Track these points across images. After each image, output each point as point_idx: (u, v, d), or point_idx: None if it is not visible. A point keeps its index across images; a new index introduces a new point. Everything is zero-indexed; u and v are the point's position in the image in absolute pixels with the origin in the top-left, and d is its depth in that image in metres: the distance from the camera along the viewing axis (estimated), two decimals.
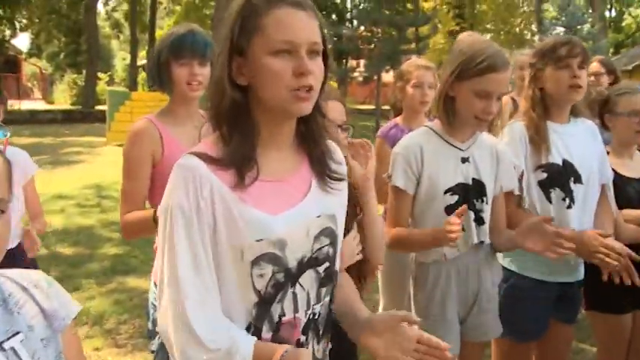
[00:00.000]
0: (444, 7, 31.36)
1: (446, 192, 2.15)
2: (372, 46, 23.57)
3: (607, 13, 32.30)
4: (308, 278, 1.32)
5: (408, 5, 24.54)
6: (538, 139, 2.37)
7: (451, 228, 1.92)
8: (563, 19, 18.52)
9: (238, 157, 1.23)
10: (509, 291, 2.42)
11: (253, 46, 1.21)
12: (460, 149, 2.18)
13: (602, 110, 2.77)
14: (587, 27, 18.95)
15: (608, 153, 2.67)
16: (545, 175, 2.38)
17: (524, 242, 2.09)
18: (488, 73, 2.02)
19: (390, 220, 2.23)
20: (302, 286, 1.31)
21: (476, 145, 2.21)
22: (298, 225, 1.29)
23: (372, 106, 23.37)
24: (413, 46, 23.26)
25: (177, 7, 37.04)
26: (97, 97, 25.35)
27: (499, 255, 2.42)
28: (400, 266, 2.98)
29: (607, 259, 2.18)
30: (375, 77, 22.86)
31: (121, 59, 47.67)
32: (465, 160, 2.18)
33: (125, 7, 38.89)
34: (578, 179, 2.40)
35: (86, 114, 22.56)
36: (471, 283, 2.21)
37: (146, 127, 2.18)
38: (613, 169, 2.61)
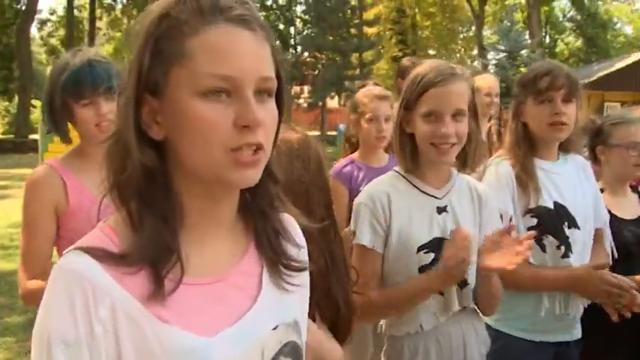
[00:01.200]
0: (387, 33, 31.72)
1: (419, 249, 1.77)
2: (317, 72, 23.50)
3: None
4: None
5: (352, 31, 24.59)
6: (525, 178, 2.08)
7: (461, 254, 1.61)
8: (504, 44, 18.92)
9: (153, 251, 0.82)
10: (498, 355, 2.04)
11: (173, 82, 0.81)
12: (435, 197, 1.82)
13: (594, 142, 2.49)
14: (526, 52, 19.37)
15: (602, 190, 2.41)
16: (535, 220, 2.08)
17: (489, 264, 1.68)
18: (429, 89, 1.71)
19: (359, 285, 1.77)
20: None
21: (453, 190, 1.85)
22: (247, 346, 0.89)
23: (317, 132, 23.20)
24: (357, 71, 23.31)
25: (118, 34, 36.19)
26: (31, 125, 24.20)
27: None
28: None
29: (613, 298, 1.98)
30: (320, 103, 22.74)
31: None
32: (441, 209, 1.81)
33: (62, 32, 37.66)
34: (572, 223, 2.10)
35: (19, 144, 21.46)
36: (455, 357, 1.82)
37: (45, 174, 1.85)
38: (608, 210, 2.33)
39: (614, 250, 2.30)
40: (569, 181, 2.16)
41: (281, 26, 30.17)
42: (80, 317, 0.77)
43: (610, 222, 2.31)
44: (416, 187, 1.82)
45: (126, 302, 0.80)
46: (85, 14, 34.34)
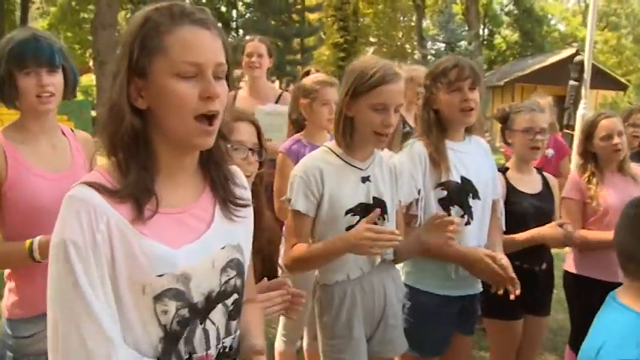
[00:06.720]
0: (329, 19, 31.95)
1: (347, 213, 2.14)
2: None
3: (480, 32, 34.32)
4: (218, 313, 1.28)
5: (294, 16, 24.71)
6: (438, 158, 2.43)
7: (372, 236, 1.94)
8: (443, 35, 19.47)
9: (136, 190, 1.16)
10: (414, 309, 2.44)
11: (155, 68, 1.15)
12: (360, 169, 2.19)
13: (503, 127, 2.93)
14: (464, 43, 20.02)
15: (508, 168, 2.86)
16: (445, 192, 2.44)
17: (429, 239, 2.18)
18: (382, 85, 2.06)
19: (291, 242, 2.18)
20: (212, 321, 1.27)
21: (375, 163, 2.23)
22: (202, 258, 1.24)
23: None
24: (298, 57, 23.48)
25: (53, 9, 34.94)
26: None
27: (401, 273, 2.47)
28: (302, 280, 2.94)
29: (497, 278, 2.35)
30: None
31: None
32: (365, 179, 2.18)
33: None
34: (475, 195, 2.48)
35: None
36: (377, 301, 2.21)
37: None
38: (512, 184, 2.80)
39: (503, 221, 2.70)
40: (473, 158, 2.53)
41: (223, 9, 30.00)
42: (86, 229, 1.10)
43: (514, 195, 2.77)
44: (344, 160, 2.18)
45: (118, 220, 1.13)
46: None
